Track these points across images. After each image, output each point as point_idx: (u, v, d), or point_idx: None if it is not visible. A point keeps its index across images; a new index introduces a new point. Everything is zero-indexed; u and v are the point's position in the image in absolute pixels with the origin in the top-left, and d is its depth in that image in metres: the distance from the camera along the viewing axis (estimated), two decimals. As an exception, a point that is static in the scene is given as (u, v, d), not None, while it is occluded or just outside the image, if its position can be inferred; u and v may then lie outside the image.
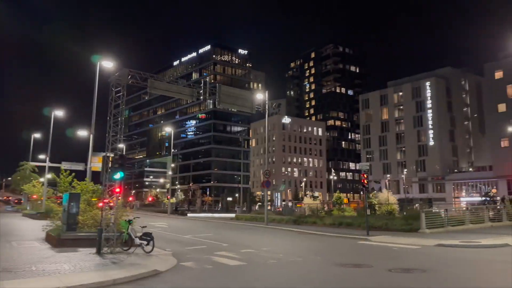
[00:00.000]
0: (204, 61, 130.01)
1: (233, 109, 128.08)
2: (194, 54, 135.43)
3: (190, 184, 77.21)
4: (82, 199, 18.76)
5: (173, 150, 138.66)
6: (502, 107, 70.88)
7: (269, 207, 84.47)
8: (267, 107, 23.79)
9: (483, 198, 70.44)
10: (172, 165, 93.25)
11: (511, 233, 21.05)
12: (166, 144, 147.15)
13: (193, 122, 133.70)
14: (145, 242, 14.94)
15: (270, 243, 19.33)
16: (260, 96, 21.51)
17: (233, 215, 45.54)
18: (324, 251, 16.71)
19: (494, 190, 79.77)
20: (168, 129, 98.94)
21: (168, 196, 76.90)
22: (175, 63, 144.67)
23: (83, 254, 14.42)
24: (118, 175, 14.86)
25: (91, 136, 23.90)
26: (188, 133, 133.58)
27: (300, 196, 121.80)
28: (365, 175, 22.20)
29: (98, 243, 14.60)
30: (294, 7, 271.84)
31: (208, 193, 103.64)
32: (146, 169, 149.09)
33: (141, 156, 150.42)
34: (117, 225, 15.65)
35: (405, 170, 79.41)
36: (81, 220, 17.94)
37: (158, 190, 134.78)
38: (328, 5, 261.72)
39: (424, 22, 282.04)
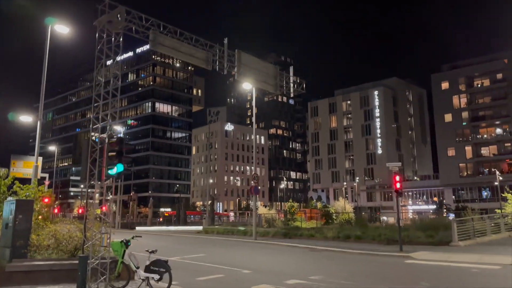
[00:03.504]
0: (142, 62, 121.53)
1: (173, 114, 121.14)
2: (130, 53, 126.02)
3: (132, 194, 69.24)
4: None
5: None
6: (448, 117, 72.99)
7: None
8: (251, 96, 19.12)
9: (435, 207, 71.76)
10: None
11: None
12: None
13: (128, 126, 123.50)
14: (156, 276, 9.49)
15: (304, 267, 14.63)
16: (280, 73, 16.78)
17: (193, 227, 39.86)
18: (393, 279, 12.38)
19: (435, 199, 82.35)
20: (118, 129, 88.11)
21: (103, 207, 68.64)
22: (109, 62, 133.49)
23: (55, 302, 8.64)
24: (115, 169, 9.36)
25: (39, 123, 17.51)
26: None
27: (242, 205, 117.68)
28: (397, 178, 18.42)
29: (81, 280, 8.91)
30: (236, 15, 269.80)
31: (150, 203, 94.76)
32: (71, 177, 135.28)
33: (66, 164, 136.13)
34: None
35: (357, 178, 78.71)
36: (35, 241, 11.88)
37: (85, 201, 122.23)
38: (272, 13, 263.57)
39: (368, 34, 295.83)
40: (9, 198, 12.97)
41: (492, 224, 23.09)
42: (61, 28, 18.61)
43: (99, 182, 9.92)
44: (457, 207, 59.95)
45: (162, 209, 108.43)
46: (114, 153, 9.31)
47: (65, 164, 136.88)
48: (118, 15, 10.60)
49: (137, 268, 9.75)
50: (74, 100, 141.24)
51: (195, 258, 16.69)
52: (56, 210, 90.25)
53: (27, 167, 36.09)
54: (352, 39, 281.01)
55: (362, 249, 18.90)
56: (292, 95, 16.43)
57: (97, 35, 10.53)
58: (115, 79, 10.61)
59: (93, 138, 10.31)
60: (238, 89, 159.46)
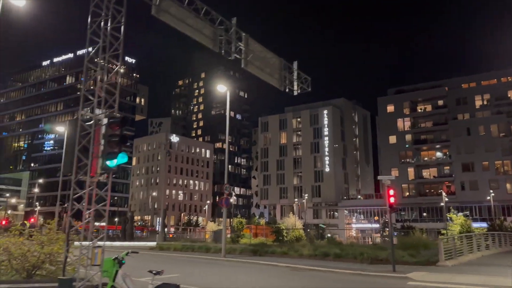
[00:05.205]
0: (83, 64, 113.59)
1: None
2: (70, 55, 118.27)
3: (66, 205, 62.89)
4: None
5: (33, 165, 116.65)
6: (392, 139, 75.71)
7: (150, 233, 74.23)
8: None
9: (378, 226, 73.25)
10: (41, 180, 76.54)
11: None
12: (24, 158, 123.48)
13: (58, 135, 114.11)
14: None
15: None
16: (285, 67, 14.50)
17: (142, 243, 36.39)
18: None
19: (376, 218, 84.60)
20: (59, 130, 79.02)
21: (31, 219, 62.29)
22: (45, 63, 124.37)
23: None
24: (115, 160, 6.96)
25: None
26: (55, 145, 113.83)
27: (184, 220, 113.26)
28: (390, 192, 17.27)
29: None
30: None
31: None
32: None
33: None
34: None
35: (306, 195, 78.63)
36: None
37: (9, 211, 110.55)
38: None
39: (317, 54, 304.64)
40: None
41: (466, 244, 22.88)
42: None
43: (91, 177, 7.41)
44: (402, 227, 61.55)
45: (96, 223, 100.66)
46: (115, 139, 6.91)
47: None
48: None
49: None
50: (1, 101, 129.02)
51: (171, 280, 14.12)
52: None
53: None
54: (303, 58, 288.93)
55: (350, 269, 17.45)
56: (296, 92, 14.75)
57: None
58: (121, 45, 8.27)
59: (87, 117, 7.81)
60: (184, 100, 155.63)
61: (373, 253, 20.37)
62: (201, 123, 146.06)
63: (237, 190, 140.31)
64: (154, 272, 7.44)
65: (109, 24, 8.39)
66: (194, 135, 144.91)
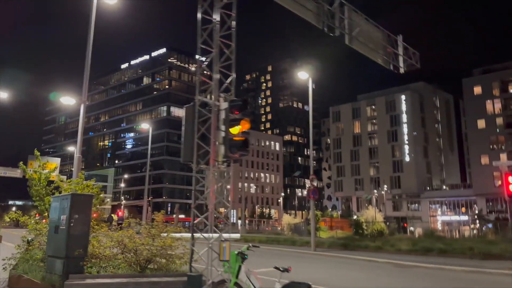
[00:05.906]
0: (158, 65, 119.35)
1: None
2: (146, 57, 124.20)
3: (150, 198, 66.29)
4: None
5: (117, 162, 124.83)
6: (481, 123, 69.41)
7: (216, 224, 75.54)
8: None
9: (467, 218, 67.76)
10: (126, 176, 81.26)
11: None
12: (109, 155, 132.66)
13: (138, 133, 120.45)
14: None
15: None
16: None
17: (225, 235, 36.72)
18: None
19: (463, 209, 78.33)
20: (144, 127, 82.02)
21: (119, 212, 66.10)
22: (123, 66, 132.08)
23: None
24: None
25: (82, 106, 14.60)
26: (136, 143, 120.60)
27: (256, 213, 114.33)
28: (510, 178, 15.16)
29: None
30: (251, 20, 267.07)
31: (176, 208, 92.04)
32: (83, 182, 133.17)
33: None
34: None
35: (385, 186, 75.13)
36: (98, 250, 8.91)
37: (98, 206, 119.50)
38: (285, 20, 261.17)
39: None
40: (64, 194, 10.00)
41: None
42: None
43: (213, 165, 6.86)
44: (497, 218, 56.26)
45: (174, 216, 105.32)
46: (237, 123, 6.28)
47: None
48: None
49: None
50: (87, 103, 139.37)
51: (271, 274, 13.49)
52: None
53: (47, 169, 33.17)
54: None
55: (462, 265, 15.63)
56: (402, 70, 13.29)
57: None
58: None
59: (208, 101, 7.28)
60: (252, 94, 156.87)
61: (484, 247, 18.22)
62: (269, 116, 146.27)
63: (307, 182, 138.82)
64: (281, 269, 6.73)
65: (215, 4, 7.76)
66: (262, 128, 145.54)
